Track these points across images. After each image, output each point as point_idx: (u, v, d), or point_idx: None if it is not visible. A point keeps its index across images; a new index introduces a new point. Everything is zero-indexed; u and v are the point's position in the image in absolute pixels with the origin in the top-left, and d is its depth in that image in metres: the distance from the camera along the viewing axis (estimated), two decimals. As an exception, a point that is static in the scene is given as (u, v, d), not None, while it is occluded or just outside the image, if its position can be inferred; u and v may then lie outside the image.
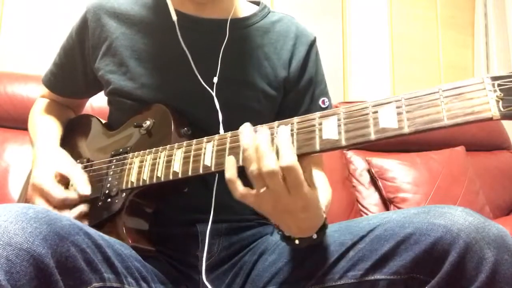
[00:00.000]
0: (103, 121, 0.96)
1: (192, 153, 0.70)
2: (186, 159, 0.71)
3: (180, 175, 0.71)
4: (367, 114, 0.56)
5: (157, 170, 0.74)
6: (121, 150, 0.84)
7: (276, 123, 0.63)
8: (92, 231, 0.64)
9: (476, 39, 2.57)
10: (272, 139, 0.61)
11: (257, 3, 0.97)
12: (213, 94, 0.82)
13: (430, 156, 1.91)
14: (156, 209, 0.81)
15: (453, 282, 0.59)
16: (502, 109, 0.48)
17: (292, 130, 0.61)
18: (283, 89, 0.90)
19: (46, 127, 0.95)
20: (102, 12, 0.89)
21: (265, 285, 0.76)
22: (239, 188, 0.62)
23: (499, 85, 0.49)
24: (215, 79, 0.83)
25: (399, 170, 1.82)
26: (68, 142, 0.94)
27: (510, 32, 2.41)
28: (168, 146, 0.75)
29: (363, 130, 0.56)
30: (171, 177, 0.72)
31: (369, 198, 1.83)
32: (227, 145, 0.66)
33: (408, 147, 1.94)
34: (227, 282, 0.81)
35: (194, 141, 0.71)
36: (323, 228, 0.67)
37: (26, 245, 0.52)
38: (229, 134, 0.67)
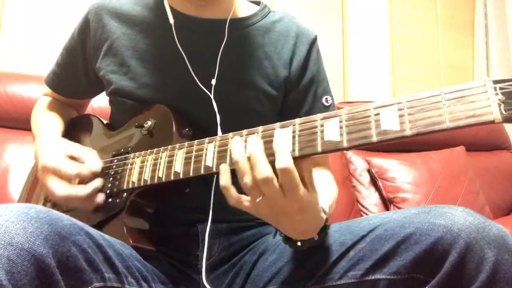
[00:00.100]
0: (105, 121, 0.96)
1: (194, 153, 0.70)
2: (187, 160, 0.71)
3: (181, 176, 0.71)
4: (369, 116, 0.57)
5: (159, 171, 0.74)
6: (122, 150, 0.84)
7: (277, 124, 0.63)
8: (93, 231, 0.64)
9: (476, 39, 2.57)
10: (270, 141, 0.61)
11: (258, 3, 0.97)
12: (211, 96, 0.82)
13: (430, 156, 1.91)
14: (157, 209, 0.81)
15: (454, 282, 0.59)
16: (503, 112, 0.49)
17: (294, 131, 0.61)
18: (284, 88, 0.90)
19: (48, 123, 0.95)
20: (103, 13, 0.89)
21: (265, 285, 0.76)
22: (234, 195, 0.62)
23: (501, 88, 0.49)
24: (213, 81, 0.83)
25: (399, 170, 1.82)
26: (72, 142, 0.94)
27: (510, 32, 2.41)
28: (169, 147, 0.75)
29: (365, 132, 0.56)
30: (172, 178, 0.72)
31: (369, 198, 1.83)
32: (229, 146, 0.66)
33: (408, 147, 1.94)
34: (227, 282, 0.82)
35: (196, 141, 0.71)
36: (324, 229, 0.67)
37: (27, 245, 0.52)
38: (230, 135, 0.67)
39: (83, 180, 0.78)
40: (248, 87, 0.86)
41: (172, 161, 0.73)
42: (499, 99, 0.49)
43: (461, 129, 0.51)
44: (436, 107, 0.53)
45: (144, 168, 0.76)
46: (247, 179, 0.60)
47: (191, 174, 0.69)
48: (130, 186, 0.77)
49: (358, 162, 1.89)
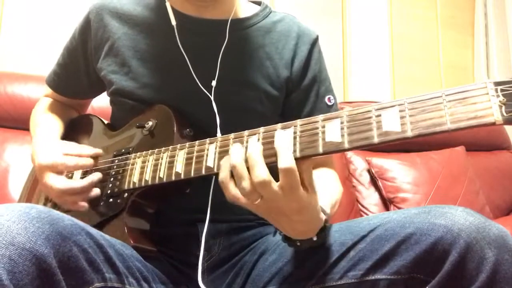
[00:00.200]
0: (106, 121, 0.96)
1: (195, 154, 0.70)
2: (188, 160, 0.71)
3: (182, 176, 0.71)
4: (370, 117, 0.57)
5: (160, 171, 0.74)
6: (123, 150, 0.84)
7: (279, 125, 0.63)
8: (94, 231, 0.64)
9: (476, 39, 2.57)
10: (271, 142, 0.61)
11: (259, 3, 0.97)
12: (211, 97, 0.82)
13: (430, 156, 1.91)
14: (158, 210, 0.82)
15: (454, 282, 0.59)
16: (505, 114, 0.49)
17: (295, 132, 0.61)
18: (286, 89, 0.90)
19: (47, 125, 0.95)
20: (104, 13, 0.89)
21: (266, 285, 0.76)
22: (232, 190, 0.62)
23: (502, 90, 0.49)
24: (214, 83, 0.83)
25: (399, 170, 1.82)
26: (70, 141, 0.94)
27: (510, 32, 2.41)
28: (170, 147, 0.75)
29: (366, 133, 0.56)
30: (173, 178, 0.72)
31: (369, 198, 1.83)
32: (230, 147, 0.66)
33: (408, 147, 1.94)
34: (227, 282, 0.82)
35: (197, 142, 0.71)
36: (323, 230, 0.68)
37: (29, 245, 0.52)
38: (231, 135, 0.67)
39: (83, 172, 0.80)
40: (249, 88, 0.86)
41: (173, 162, 0.73)
42: (500, 101, 0.49)
43: (462, 130, 0.51)
44: (437, 109, 0.53)
45: (145, 169, 0.76)
46: (245, 184, 0.60)
47: (192, 174, 0.69)
48: (131, 186, 0.77)
49: (358, 162, 1.89)
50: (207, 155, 0.68)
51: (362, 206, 1.81)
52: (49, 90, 1.04)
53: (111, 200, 0.79)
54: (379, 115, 0.56)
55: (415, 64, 2.42)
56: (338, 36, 2.29)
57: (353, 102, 1.98)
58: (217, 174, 0.67)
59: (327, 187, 0.82)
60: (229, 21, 0.88)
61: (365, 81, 2.30)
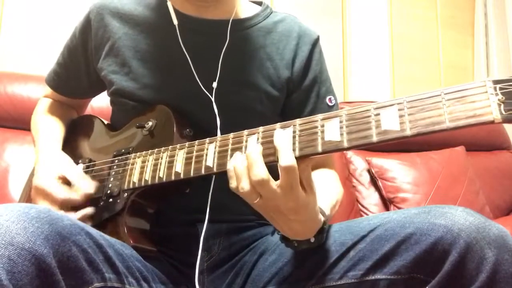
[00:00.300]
0: (106, 122, 0.96)
1: (194, 154, 0.70)
2: (188, 160, 0.71)
3: (182, 176, 0.71)
4: (369, 116, 0.57)
5: (159, 171, 0.74)
6: (123, 150, 0.84)
7: (278, 124, 0.64)
8: (93, 231, 0.64)
9: (476, 39, 2.57)
10: (271, 141, 0.61)
11: (259, 3, 0.97)
12: (212, 98, 0.82)
13: (430, 156, 1.91)
14: (158, 209, 0.82)
15: (454, 282, 0.59)
16: (503, 112, 0.49)
17: (294, 131, 0.61)
18: (287, 89, 0.90)
19: (48, 128, 0.95)
20: (105, 12, 0.89)
21: (265, 285, 0.76)
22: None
23: (500, 88, 0.49)
24: (215, 84, 0.83)
25: (399, 170, 1.82)
26: (71, 142, 0.95)
27: (510, 32, 2.41)
28: (170, 147, 0.75)
29: (365, 132, 0.56)
30: (173, 178, 0.72)
31: (369, 198, 1.83)
32: (229, 146, 0.66)
33: (408, 147, 1.94)
34: (227, 282, 0.82)
35: (196, 142, 0.71)
36: (322, 232, 0.67)
37: (28, 245, 0.52)
38: (231, 135, 0.67)
39: (73, 205, 0.78)
40: (249, 88, 0.86)
41: (173, 161, 0.73)
42: (499, 99, 0.49)
43: (461, 129, 0.51)
44: (436, 107, 0.53)
45: (145, 168, 0.76)
46: (243, 184, 0.60)
47: (191, 174, 0.70)
48: (131, 186, 0.77)
49: (358, 162, 1.89)
50: (206, 155, 0.68)
51: (362, 206, 1.81)
52: (48, 90, 1.04)
53: (111, 200, 0.79)
54: (378, 114, 0.56)
55: (415, 64, 2.42)
56: (338, 36, 2.29)
57: (353, 102, 1.98)
58: (216, 174, 0.67)
59: (327, 188, 0.82)
60: (230, 21, 0.88)
61: (365, 81, 2.30)
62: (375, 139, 0.55)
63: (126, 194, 0.78)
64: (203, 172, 0.68)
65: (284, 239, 0.69)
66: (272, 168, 0.60)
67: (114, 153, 0.85)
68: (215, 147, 0.68)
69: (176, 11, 0.88)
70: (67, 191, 0.79)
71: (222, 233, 0.83)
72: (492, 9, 2.51)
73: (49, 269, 0.54)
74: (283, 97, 0.90)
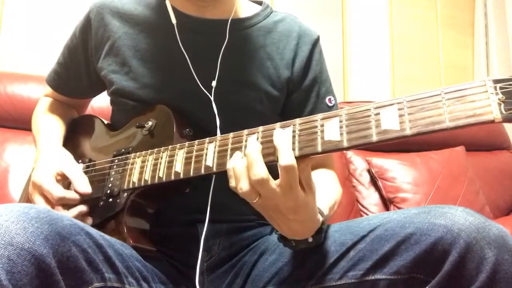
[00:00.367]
0: (106, 122, 0.96)
1: (194, 153, 0.70)
2: (188, 160, 0.71)
3: (181, 176, 0.71)
4: (369, 115, 0.57)
5: (159, 170, 0.74)
6: (123, 150, 0.84)
7: (277, 124, 0.64)
8: (93, 231, 0.64)
9: (476, 39, 2.57)
10: (271, 141, 0.61)
11: (260, 3, 0.97)
12: (211, 98, 0.82)
13: (430, 156, 1.91)
14: (157, 209, 0.82)
15: (454, 282, 0.59)
16: (503, 111, 0.48)
17: (294, 131, 0.61)
18: (287, 89, 0.90)
19: (49, 127, 0.95)
20: (105, 12, 0.89)
21: (265, 285, 0.76)
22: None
23: (501, 87, 0.49)
24: (214, 83, 0.83)
25: (399, 170, 1.82)
26: (71, 142, 0.95)
27: (510, 32, 2.41)
28: (170, 147, 0.75)
29: (365, 131, 0.56)
30: (172, 178, 0.72)
31: (369, 198, 1.83)
32: (229, 146, 0.66)
33: (408, 147, 1.94)
34: (227, 282, 0.82)
35: (196, 141, 0.71)
36: (320, 232, 0.67)
37: (28, 245, 0.52)
38: (231, 135, 0.67)
39: (68, 204, 0.78)
40: (249, 88, 0.86)
41: (172, 161, 0.73)
42: (499, 99, 0.49)
43: (461, 129, 0.51)
44: (436, 107, 0.53)
45: (144, 168, 0.76)
46: (243, 184, 0.60)
47: (191, 174, 0.69)
48: (131, 186, 0.77)
49: (358, 162, 1.89)
50: (206, 155, 0.68)
51: (362, 206, 1.81)
52: (49, 90, 1.04)
53: (110, 200, 0.79)
54: (378, 114, 0.56)
55: (415, 64, 2.42)
56: (338, 36, 2.29)
57: (353, 102, 1.98)
58: (216, 174, 0.67)
59: (326, 189, 0.82)
60: (230, 21, 0.88)
61: (365, 81, 2.30)
62: (375, 138, 0.55)
63: (126, 194, 0.78)
64: (202, 172, 0.68)
65: (282, 238, 0.69)
66: (272, 167, 0.60)
67: (114, 153, 0.85)
68: (215, 147, 0.68)
69: (176, 10, 0.88)
70: (63, 189, 0.79)
71: (222, 233, 0.83)
72: (492, 9, 2.51)
73: (49, 269, 0.54)
74: (283, 97, 0.90)
